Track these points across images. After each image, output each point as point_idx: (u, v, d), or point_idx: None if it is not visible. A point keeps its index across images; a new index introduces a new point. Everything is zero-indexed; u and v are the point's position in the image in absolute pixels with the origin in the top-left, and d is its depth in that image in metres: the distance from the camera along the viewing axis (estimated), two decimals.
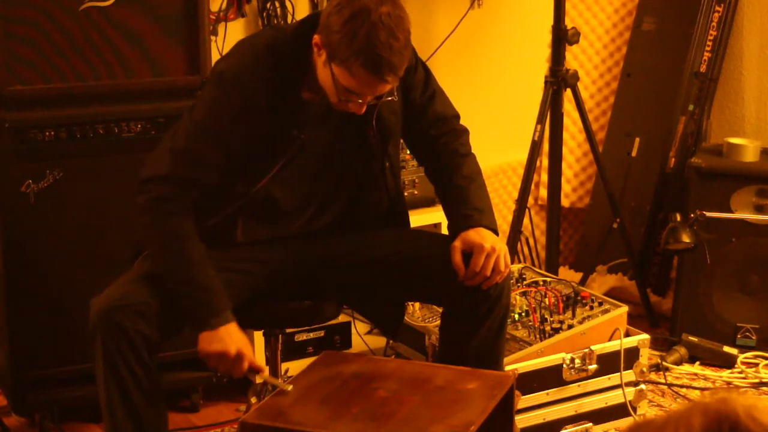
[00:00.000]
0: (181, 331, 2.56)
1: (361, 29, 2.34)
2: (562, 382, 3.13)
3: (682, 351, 3.74)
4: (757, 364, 3.74)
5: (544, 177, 4.35)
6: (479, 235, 2.60)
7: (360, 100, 2.44)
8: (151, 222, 2.51)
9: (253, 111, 2.48)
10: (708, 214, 3.65)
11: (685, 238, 3.63)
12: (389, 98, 2.52)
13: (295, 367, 2.99)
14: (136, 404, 2.46)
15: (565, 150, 4.21)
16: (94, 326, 2.44)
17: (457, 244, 2.60)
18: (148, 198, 2.50)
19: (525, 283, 3.43)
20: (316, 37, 2.43)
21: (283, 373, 2.87)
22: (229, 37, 3.63)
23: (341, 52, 2.37)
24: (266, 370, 2.55)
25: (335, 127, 2.62)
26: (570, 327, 3.20)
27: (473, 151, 2.79)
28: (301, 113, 2.55)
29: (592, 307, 3.30)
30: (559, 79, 3.89)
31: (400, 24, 2.38)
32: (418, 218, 3.53)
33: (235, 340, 2.46)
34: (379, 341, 3.63)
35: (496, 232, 2.64)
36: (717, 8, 4.14)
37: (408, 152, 3.52)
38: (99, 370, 2.47)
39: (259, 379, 2.52)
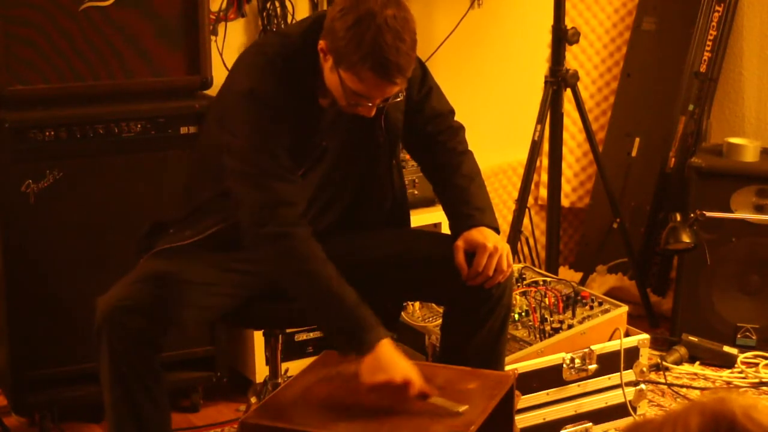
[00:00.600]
0: (185, 331, 2.56)
1: (367, 33, 2.32)
2: (562, 382, 3.13)
3: (682, 351, 3.74)
4: (757, 364, 3.73)
5: (544, 177, 4.35)
6: (482, 235, 2.60)
7: (369, 104, 2.44)
8: (286, 248, 2.41)
9: (287, 122, 2.46)
10: (708, 214, 3.65)
11: (685, 238, 3.63)
12: (397, 99, 2.52)
13: (295, 367, 2.99)
14: (140, 405, 2.46)
15: (565, 150, 4.21)
16: (99, 326, 2.44)
17: (460, 243, 2.60)
18: (276, 225, 2.40)
19: (525, 283, 3.42)
20: (321, 43, 2.41)
21: (283, 373, 2.87)
22: (229, 37, 3.62)
23: (348, 57, 2.35)
24: (435, 392, 2.34)
25: (346, 130, 2.62)
26: (570, 327, 3.20)
27: (474, 150, 2.79)
28: (320, 120, 2.55)
29: (592, 307, 3.30)
30: (559, 79, 3.89)
31: (405, 26, 2.37)
32: (418, 218, 3.53)
33: (401, 367, 2.32)
34: None
35: (497, 231, 2.64)
36: (717, 8, 4.14)
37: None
38: (103, 370, 2.46)
39: (430, 403, 2.32)
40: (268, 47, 2.54)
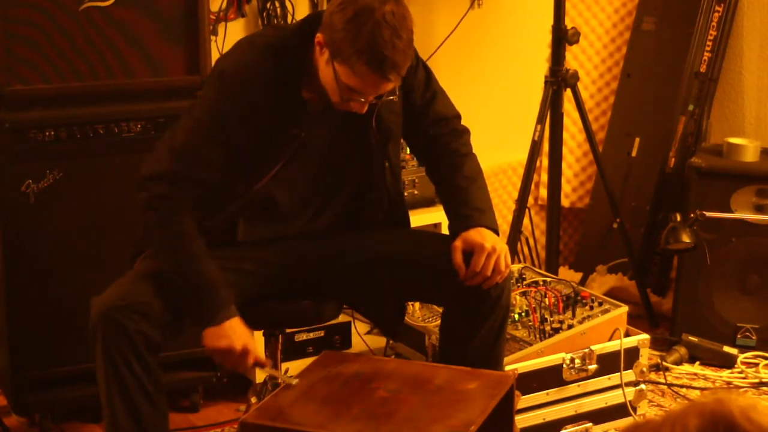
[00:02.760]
0: (183, 331, 2.56)
1: (365, 27, 2.34)
2: (562, 382, 3.13)
3: (682, 351, 3.74)
4: (757, 364, 3.74)
5: (544, 177, 4.35)
6: (480, 235, 2.60)
7: (362, 99, 2.44)
8: (152, 219, 2.52)
9: (254, 110, 2.48)
10: (708, 214, 3.65)
11: (685, 238, 3.63)
12: (390, 97, 2.52)
13: (295, 367, 2.99)
14: (137, 404, 2.46)
15: (565, 150, 4.21)
16: (94, 326, 2.44)
17: (458, 243, 2.60)
18: (148, 196, 2.51)
19: (525, 283, 3.43)
20: (318, 36, 2.43)
21: (283, 373, 2.86)
22: (229, 37, 3.63)
23: (344, 51, 2.37)
24: (269, 364, 2.59)
25: (335, 127, 2.63)
26: (570, 327, 3.21)
27: (474, 150, 2.79)
28: (301, 112, 2.56)
29: (592, 307, 3.30)
30: (559, 79, 3.89)
31: (403, 23, 2.38)
32: (418, 218, 3.53)
33: (240, 335, 2.48)
34: (379, 341, 3.63)
35: (496, 232, 2.64)
36: (717, 8, 4.14)
37: (408, 152, 3.53)
38: (100, 370, 2.46)
39: (263, 374, 2.53)
40: (261, 37, 2.59)
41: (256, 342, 3.37)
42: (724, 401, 1.30)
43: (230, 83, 2.49)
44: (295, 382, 2.40)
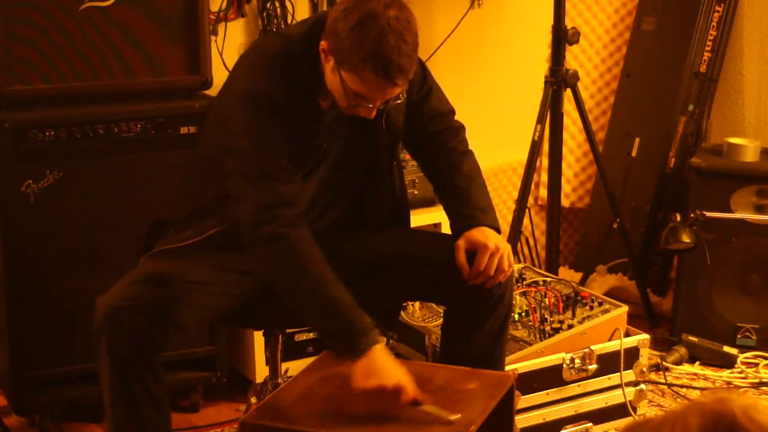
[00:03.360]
0: (185, 332, 2.56)
1: (370, 34, 2.32)
2: (562, 382, 3.13)
3: (682, 351, 3.74)
4: (757, 364, 3.73)
5: (544, 177, 4.35)
6: (483, 235, 2.60)
7: (370, 105, 2.44)
8: (278, 251, 2.41)
9: (287, 125, 2.45)
10: (708, 214, 3.65)
11: (685, 238, 3.63)
12: (398, 101, 2.51)
13: (295, 367, 2.99)
14: (140, 405, 2.45)
15: (565, 150, 4.21)
16: (99, 326, 2.43)
17: (461, 243, 2.60)
18: (275, 226, 2.39)
19: (525, 283, 3.42)
20: (323, 44, 2.41)
21: (283, 373, 2.87)
22: (229, 37, 3.62)
23: (350, 58, 2.35)
24: (428, 400, 2.32)
25: (346, 132, 2.62)
26: (570, 327, 3.20)
27: (474, 150, 2.79)
28: (320, 121, 2.55)
29: (592, 307, 3.30)
30: (559, 79, 3.89)
31: (408, 27, 2.37)
32: (418, 218, 3.53)
33: (392, 371, 2.31)
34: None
35: (498, 231, 2.65)
36: (717, 8, 4.14)
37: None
38: (103, 371, 2.46)
39: (421, 411, 2.30)
40: (269, 48, 2.54)
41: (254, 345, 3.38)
42: (725, 401, 1.30)
43: (265, 100, 2.43)
44: (454, 417, 2.25)
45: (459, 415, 2.26)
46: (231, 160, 2.46)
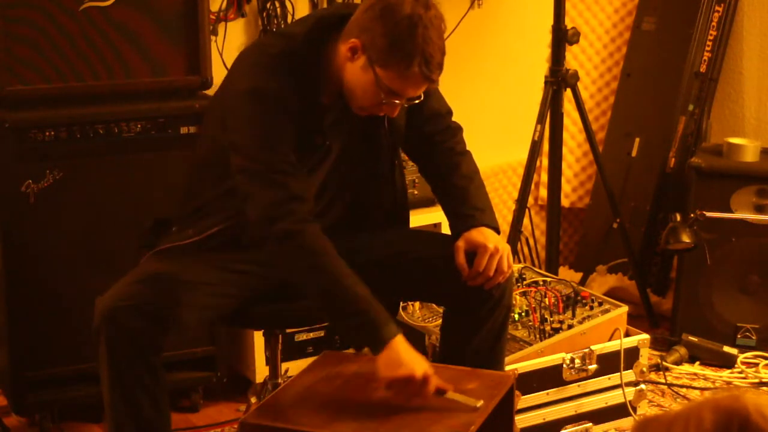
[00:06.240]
0: (185, 332, 2.55)
1: (416, 31, 2.37)
2: (562, 382, 3.13)
3: (682, 351, 3.74)
4: (757, 364, 3.73)
5: (544, 177, 4.35)
6: (482, 235, 2.60)
7: (397, 101, 2.45)
8: (291, 246, 2.41)
9: (292, 122, 2.46)
10: (708, 214, 3.65)
11: (685, 238, 3.63)
12: (419, 100, 2.53)
13: (295, 367, 2.99)
14: (139, 405, 2.45)
15: (565, 150, 4.21)
16: (98, 326, 2.44)
17: (461, 243, 2.60)
18: (289, 222, 2.40)
19: (525, 283, 3.42)
20: (354, 41, 2.42)
21: (283, 373, 2.87)
22: (229, 37, 3.62)
23: (393, 55, 2.38)
24: (451, 387, 2.35)
25: (350, 130, 2.62)
26: (570, 327, 3.21)
27: (474, 150, 2.79)
28: (321, 119, 2.55)
29: (592, 307, 3.30)
30: (559, 79, 3.89)
31: (442, 25, 2.45)
32: (418, 218, 3.53)
33: (418, 361, 2.33)
34: None
35: (498, 231, 2.65)
36: (717, 8, 4.14)
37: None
38: (103, 370, 2.46)
39: (446, 399, 2.31)
40: (271, 47, 2.55)
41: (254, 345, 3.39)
42: (739, 398, 1.30)
43: (269, 97, 2.44)
44: (479, 404, 2.28)
45: (482, 401, 2.28)
46: (238, 158, 2.46)
